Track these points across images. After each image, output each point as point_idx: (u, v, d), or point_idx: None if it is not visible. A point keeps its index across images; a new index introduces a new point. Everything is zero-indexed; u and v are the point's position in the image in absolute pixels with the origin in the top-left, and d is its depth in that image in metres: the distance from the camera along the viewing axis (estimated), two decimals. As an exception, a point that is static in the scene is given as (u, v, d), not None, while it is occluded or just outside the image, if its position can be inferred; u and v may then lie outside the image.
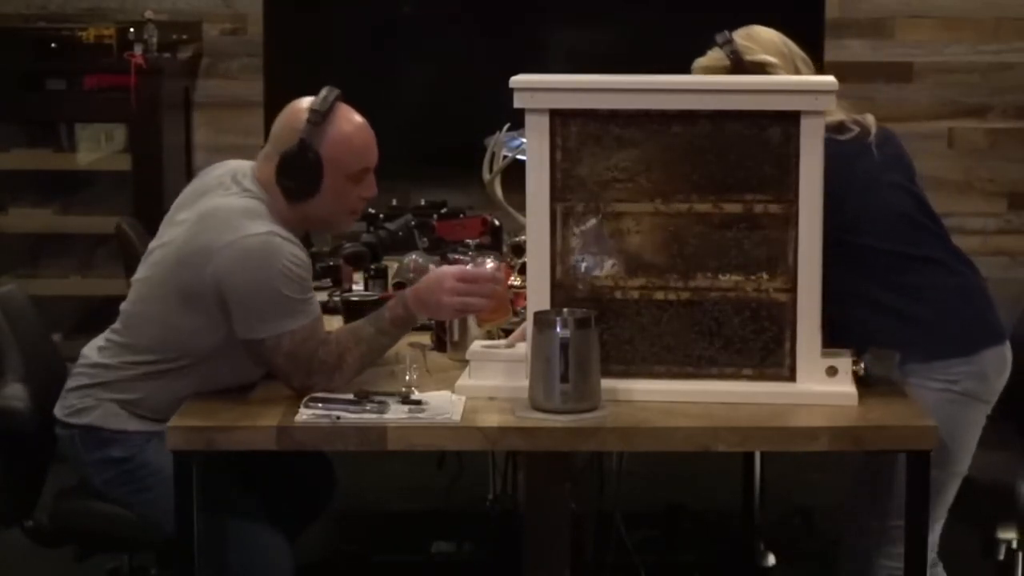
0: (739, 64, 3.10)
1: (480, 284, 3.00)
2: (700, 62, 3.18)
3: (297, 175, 2.95)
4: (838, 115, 3.09)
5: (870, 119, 3.13)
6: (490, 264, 3.22)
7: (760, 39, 3.16)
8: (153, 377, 3.04)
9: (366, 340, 2.97)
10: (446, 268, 3.05)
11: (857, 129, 3.10)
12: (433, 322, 3.34)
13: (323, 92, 3.00)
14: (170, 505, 2.81)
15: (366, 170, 3.05)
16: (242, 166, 3.07)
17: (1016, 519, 3.31)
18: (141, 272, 3.08)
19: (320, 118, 2.96)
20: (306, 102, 3.00)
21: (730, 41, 3.12)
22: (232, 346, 2.96)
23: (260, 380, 3.03)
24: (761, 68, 3.10)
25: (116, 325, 3.11)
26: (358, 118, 3.05)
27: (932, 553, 3.11)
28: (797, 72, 3.13)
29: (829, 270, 2.94)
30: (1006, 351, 3.13)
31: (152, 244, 3.09)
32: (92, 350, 3.13)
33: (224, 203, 2.96)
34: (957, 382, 3.07)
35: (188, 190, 3.11)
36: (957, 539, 3.27)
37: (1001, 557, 3.36)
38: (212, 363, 2.99)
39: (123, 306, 3.11)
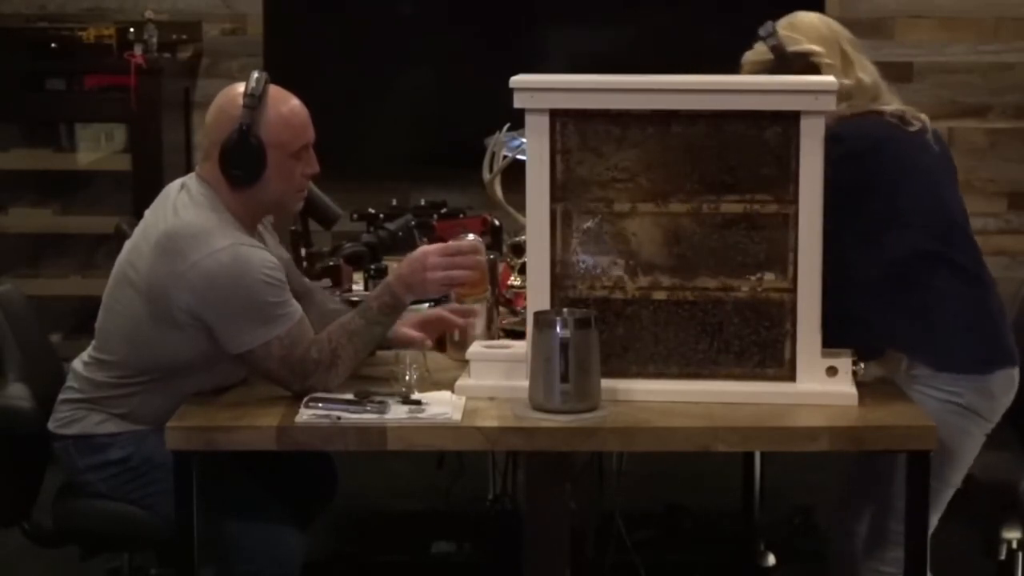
0: (782, 57, 3.08)
1: (463, 256, 3.02)
2: (747, 56, 3.16)
3: (241, 161, 2.96)
4: (896, 104, 3.08)
5: (924, 116, 3.12)
6: (470, 237, 3.21)
7: (802, 27, 3.13)
8: (137, 391, 3.05)
9: (358, 333, 2.98)
10: (426, 247, 3.06)
11: (919, 124, 3.09)
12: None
13: (254, 75, 3.01)
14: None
15: (306, 147, 3.05)
16: (188, 177, 3.07)
17: (1020, 519, 3.31)
18: (109, 290, 3.07)
19: (256, 102, 2.97)
20: (238, 89, 3.01)
21: (773, 34, 3.11)
22: (210, 357, 2.96)
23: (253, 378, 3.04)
24: (805, 59, 3.06)
25: (95, 342, 3.12)
26: (292, 97, 3.05)
27: None
28: (843, 58, 3.10)
29: (861, 259, 2.93)
30: (1015, 373, 3.11)
31: (119, 259, 3.08)
32: (79, 364, 3.14)
33: (178, 224, 2.95)
34: (962, 395, 3.06)
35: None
36: (957, 539, 3.27)
37: (1002, 557, 3.35)
38: (193, 375, 3.00)
39: (97, 324, 3.11)
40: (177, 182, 3.08)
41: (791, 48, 3.09)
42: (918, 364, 3.07)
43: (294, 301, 2.96)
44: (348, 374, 2.97)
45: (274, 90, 3.02)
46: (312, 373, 2.92)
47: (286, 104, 3.02)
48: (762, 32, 3.13)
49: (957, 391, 3.05)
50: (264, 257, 2.93)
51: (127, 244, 3.07)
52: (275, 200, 3.05)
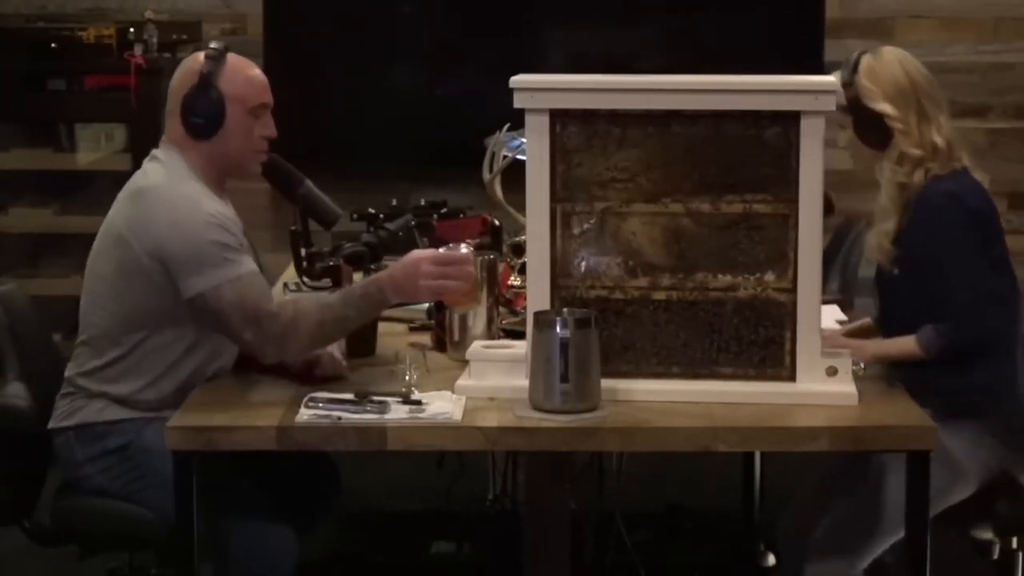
0: (857, 110, 3.13)
1: (455, 266, 3.04)
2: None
3: (202, 109, 3.09)
4: (969, 160, 3.16)
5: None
6: (463, 249, 3.21)
7: (883, 78, 3.13)
8: (128, 366, 3.09)
9: (329, 307, 3.03)
10: (420, 252, 3.09)
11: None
12: (433, 322, 3.35)
13: (213, 44, 3.17)
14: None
15: (264, 106, 3.17)
16: (154, 150, 3.20)
17: (991, 520, 3.30)
18: (87, 274, 3.19)
19: (218, 55, 3.13)
20: (200, 55, 3.16)
21: (852, 83, 3.13)
22: (183, 314, 3.03)
23: (257, 372, 3.08)
24: (879, 119, 3.10)
25: (79, 331, 3.18)
26: (253, 64, 3.21)
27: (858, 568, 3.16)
28: (919, 117, 3.11)
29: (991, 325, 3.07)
30: None
31: (92, 248, 3.19)
32: (70, 363, 3.20)
33: (146, 181, 3.10)
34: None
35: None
36: (953, 539, 3.27)
37: (995, 556, 3.35)
38: (175, 335, 3.06)
39: (80, 311, 3.18)
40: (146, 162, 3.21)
41: (867, 103, 3.12)
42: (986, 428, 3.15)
43: (250, 261, 3.03)
44: (310, 345, 3.01)
45: (235, 56, 3.17)
46: (267, 323, 2.96)
47: (246, 64, 3.18)
48: (844, 76, 3.14)
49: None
50: (218, 207, 3.05)
51: (100, 231, 3.16)
52: (235, 156, 3.14)
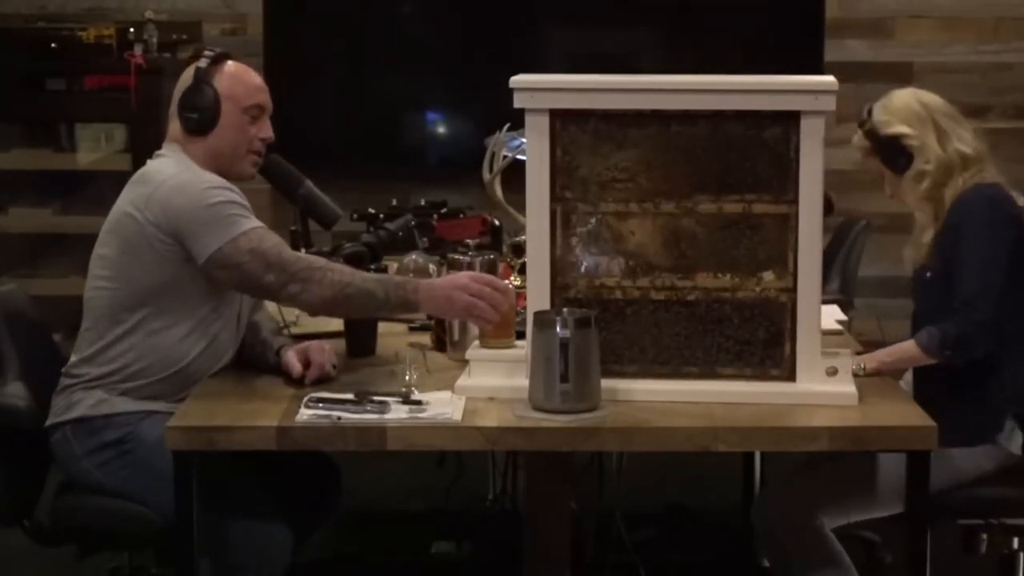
0: (875, 142, 3.25)
1: (493, 292, 3.01)
2: (853, 141, 3.32)
3: (196, 105, 3.17)
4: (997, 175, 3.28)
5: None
6: (509, 283, 3.22)
7: (894, 108, 3.28)
8: (125, 349, 3.11)
9: (361, 276, 3.07)
10: (465, 271, 3.11)
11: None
12: (433, 322, 3.35)
13: (216, 48, 3.26)
14: (172, 485, 2.82)
15: (260, 108, 3.22)
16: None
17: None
18: (90, 271, 3.21)
19: (217, 57, 3.21)
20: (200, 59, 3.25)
21: (868, 119, 3.26)
22: (187, 286, 3.07)
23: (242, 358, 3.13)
24: (897, 141, 3.24)
25: (83, 322, 3.21)
26: (252, 70, 3.27)
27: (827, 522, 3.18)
28: (937, 132, 3.24)
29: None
30: None
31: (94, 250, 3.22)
32: (72, 355, 3.21)
33: (145, 169, 3.18)
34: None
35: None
36: (950, 537, 3.27)
37: (983, 551, 3.34)
38: (175, 320, 3.08)
39: (84, 303, 3.21)
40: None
41: (884, 132, 3.24)
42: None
43: (257, 220, 3.09)
44: (330, 300, 3.01)
45: (235, 61, 3.24)
46: (290, 263, 3.01)
47: (243, 68, 3.24)
48: (860, 119, 3.28)
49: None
50: (214, 177, 3.10)
51: (103, 226, 3.18)
52: (229, 153, 3.18)
